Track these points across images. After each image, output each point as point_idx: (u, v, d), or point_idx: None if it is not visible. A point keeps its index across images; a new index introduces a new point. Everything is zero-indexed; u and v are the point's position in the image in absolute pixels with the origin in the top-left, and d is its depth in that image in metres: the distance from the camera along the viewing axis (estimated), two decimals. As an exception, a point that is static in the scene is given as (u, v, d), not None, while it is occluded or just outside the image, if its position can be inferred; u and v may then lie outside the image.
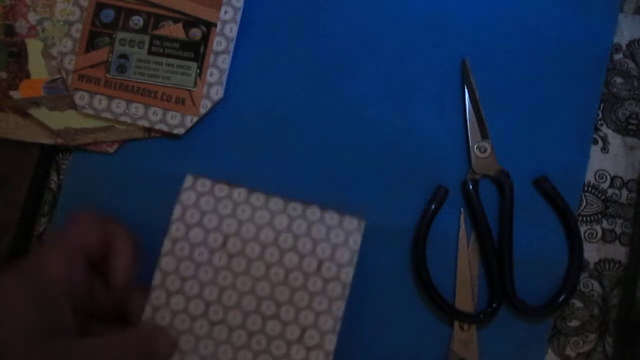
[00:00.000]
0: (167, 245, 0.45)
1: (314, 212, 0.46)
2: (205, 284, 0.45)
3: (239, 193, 0.46)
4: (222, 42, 0.48)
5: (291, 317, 0.45)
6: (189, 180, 0.46)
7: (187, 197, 0.46)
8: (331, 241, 0.45)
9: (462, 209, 0.48)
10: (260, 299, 0.45)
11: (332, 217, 0.45)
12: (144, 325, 0.44)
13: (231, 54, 0.48)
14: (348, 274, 0.45)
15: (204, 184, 0.46)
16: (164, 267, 0.45)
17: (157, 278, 0.45)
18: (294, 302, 0.45)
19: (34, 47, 0.48)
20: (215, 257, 0.45)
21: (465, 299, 0.47)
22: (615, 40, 0.50)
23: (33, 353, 0.36)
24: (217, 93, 0.48)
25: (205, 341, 0.44)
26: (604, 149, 0.49)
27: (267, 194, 0.46)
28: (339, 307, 0.45)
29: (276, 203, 0.46)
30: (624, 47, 0.50)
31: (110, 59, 0.48)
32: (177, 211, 0.45)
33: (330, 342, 0.44)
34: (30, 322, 0.37)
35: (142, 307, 0.44)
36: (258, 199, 0.46)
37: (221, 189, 0.46)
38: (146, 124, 0.48)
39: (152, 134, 0.48)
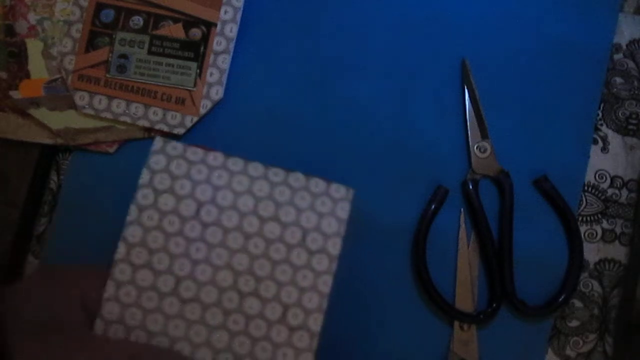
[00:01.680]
0: (132, 213, 0.41)
1: (297, 178, 0.42)
2: (176, 257, 0.40)
3: (215, 157, 0.42)
4: (222, 42, 0.48)
5: (272, 294, 0.40)
6: (158, 142, 0.42)
7: (156, 161, 0.41)
8: (317, 210, 0.41)
9: (462, 209, 0.48)
10: (238, 273, 0.41)
11: (317, 184, 0.42)
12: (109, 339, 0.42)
13: (231, 54, 0.48)
14: (336, 246, 0.41)
15: (175, 147, 0.42)
16: (129, 238, 0.41)
17: (120, 250, 0.41)
18: (275, 277, 0.40)
19: (34, 47, 0.48)
20: (187, 227, 0.41)
21: (465, 299, 0.47)
22: (615, 40, 0.50)
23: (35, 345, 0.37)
24: (217, 93, 0.48)
25: (175, 321, 0.40)
26: (604, 149, 0.49)
27: (246, 160, 0.42)
28: (326, 282, 0.41)
29: (256, 168, 0.41)
30: (624, 47, 0.50)
31: (110, 59, 0.48)
32: (144, 176, 0.41)
33: (316, 322, 0.40)
34: (36, 322, 0.38)
35: None
36: (235, 163, 0.42)
37: (195, 152, 0.42)
38: (146, 124, 0.48)
39: (152, 134, 0.48)
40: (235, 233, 0.41)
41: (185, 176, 0.41)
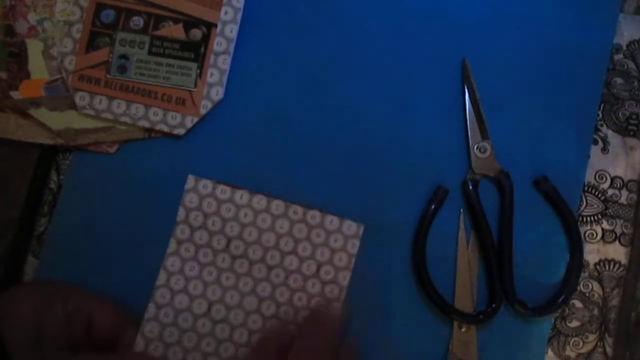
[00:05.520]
0: (172, 246, 0.46)
1: (314, 216, 0.47)
2: (209, 284, 0.46)
3: (241, 196, 0.47)
4: (223, 43, 0.48)
5: (290, 317, 0.46)
6: (190, 181, 0.47)
7: (189, 199, 0.47)
8: (330, 245, 0.46)
9: (462, 209, 0.48)
10: (261, 299, 0.46)
11: (332, 222, 0.47)
12: (135, 353, 0.45)
13: (231, 54, 0.48)
14: (345, 277, 0.46)
15: (205, 185, 0.47)
16: (169, 267, 0.46)
17: (161, 277, 0.46)
18: (293, 303, 0.46)
19: (34, 47, 0.48)
20: (219, 259, 0.46)
21: (465, 299, 0.47)
22: (615, 40, 0.50)
23: (29, 354, 0.39)
24: (217, 94, 0.48)
25: (207, 339, 0.45)
26: (604, 149, 0.49)
27: (269, 197, 0.47)
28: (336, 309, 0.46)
29: (277, 207, 0.47)
30: (624, 47, 0.50)
31: (110, 59, 0.48)
32: (181, 214, 0.47)
33: None
34: (31, 330, 0.40)
35: (132, 339, 0.45)
36: (260, 202, 0.47)
37: (223, 191, 0.47)
38: (146, 124, 0.48)
39: (153, 135, 0.48)
40: (260, 265, 0.46)
41: (216, 214, 0.47)
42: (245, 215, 0.47)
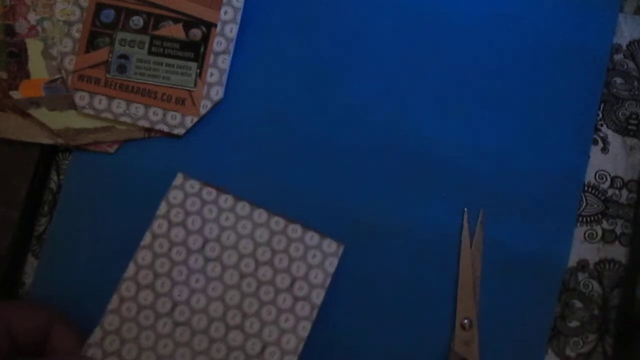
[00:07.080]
0: (147, 239, 0.45)
1: (295, 229, 0.46)
2: (177, 284, 0.45)
3: (226, 200, 0.46)
4: (222, 43, 0.48)
5: (255, 330, 0.44)
6: (179, 179, 0.46)
7: (174, 195, 0.46)
8: (307, 261, 0.45)
9: (465, 209, 0.48)
10: (228, 307, 0.45)
11: (312, 238, 0.46)
12: (67, 356, 0.43)
13: (231, 54, 0.48)
14: (319, 296, 0.45)
15: (192, 185, 0.46)
16: (139, 260, 0.45)
17: (130, 270, 0.45)
18: (260, 316, 0.45)
19: (34, 47, 0.48)
20: (192, 259, 0.45)
21: (468, 299, 0.47)
22: (615, 40, 0.50)
23: None
24: (217, 93, 0.48)
25: (165, 340, 0.44)
26: (604, 149, 0.49)
27: (253, 205, 0.46)
28: (305, 328, 0.44)
29: (260, 215, 0.46)
30: (624, 47, 0.50)
31: (110, 59, 0.48)
32: (162, 208, 0.46)
33: None
34: None
35: (65, 341, 0.43)
36: (243, 208, 0.46)
37: (209, 193, 0.46)
38: (146, 124, 0.48)
39: (152, 134, 0.48)
40: (233, 271, 0.45)
41: (198, 213, 0.46)
42: (227, 218, 0.46)
